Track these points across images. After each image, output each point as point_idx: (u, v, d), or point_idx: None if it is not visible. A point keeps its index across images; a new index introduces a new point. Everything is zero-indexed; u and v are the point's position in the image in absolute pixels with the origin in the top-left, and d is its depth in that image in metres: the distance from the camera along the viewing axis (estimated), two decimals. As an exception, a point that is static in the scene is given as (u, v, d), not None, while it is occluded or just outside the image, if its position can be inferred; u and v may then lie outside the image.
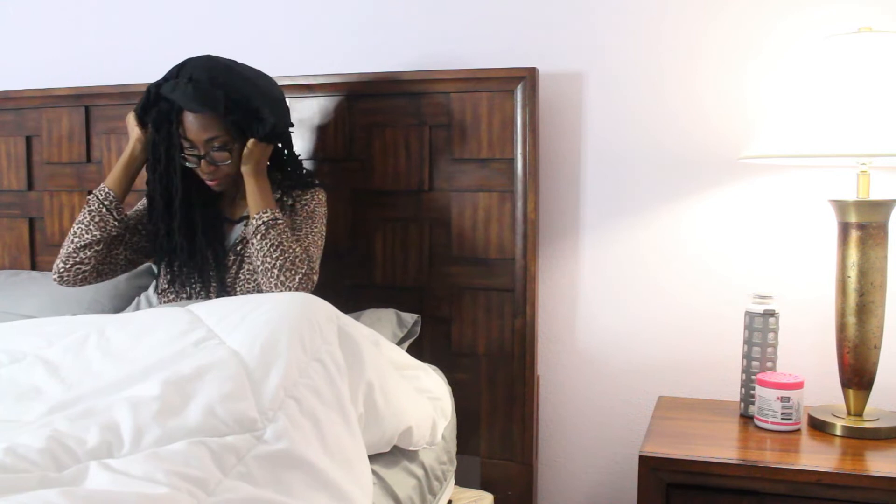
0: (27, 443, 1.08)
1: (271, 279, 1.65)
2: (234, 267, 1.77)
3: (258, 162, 1.71)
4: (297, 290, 1.65)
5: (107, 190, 1.74)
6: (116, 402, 1.20)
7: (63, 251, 1.74)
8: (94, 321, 1.51)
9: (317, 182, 1.85)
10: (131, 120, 1.78)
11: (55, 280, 1.75)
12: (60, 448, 1.08)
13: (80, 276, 1.74)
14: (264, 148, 1.72)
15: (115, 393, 1.25)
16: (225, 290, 1.76)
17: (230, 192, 1.81)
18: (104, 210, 1.73)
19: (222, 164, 1.71)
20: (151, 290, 2.02)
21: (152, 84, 1.73)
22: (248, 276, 1.76)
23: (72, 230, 1.74)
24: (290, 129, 1.82)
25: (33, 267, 2.33)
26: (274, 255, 1.65)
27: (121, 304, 2.03)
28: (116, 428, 1.14)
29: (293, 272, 1.66)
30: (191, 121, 1.68)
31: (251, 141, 1.70)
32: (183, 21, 2.27)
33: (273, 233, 1.66)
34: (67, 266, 1.73)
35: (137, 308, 1.98)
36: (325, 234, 1.81)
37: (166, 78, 1.71)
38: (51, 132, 2.28)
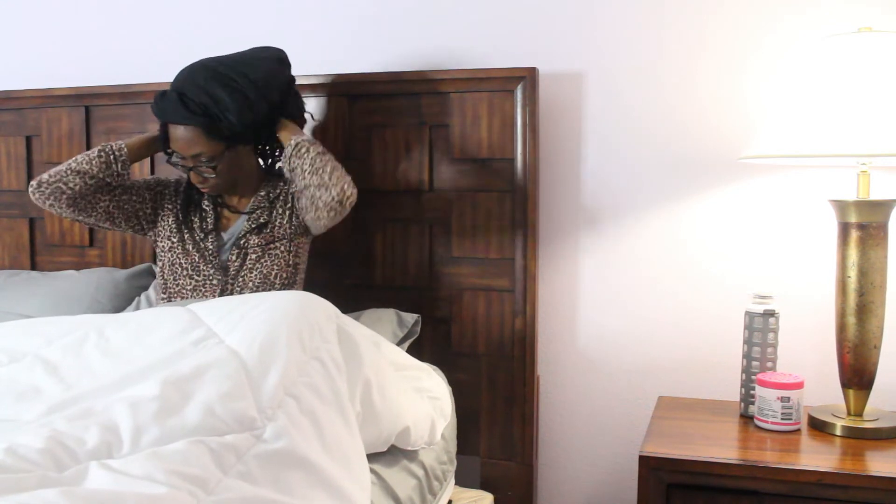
0: (27, 443, 1.08)
1: (324, 175, 1.69)
2: (238, 261, 1.77)
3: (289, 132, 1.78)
4: (349, 184, 1.71)
5: (122, 146, 1.77)
6: (116, 401, 1.20)
7: (54, 169, 1.74)
8: (94, 321, 1.51)
9: None
10: None
11: (31, 189, 1.74)
12: (60, 448, 1.08)
13: (55, 195, 1.72)
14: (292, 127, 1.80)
15: (115, 393, 1.25)
16: (228, 284, 1.77)
17: (230, 190, 1.83)
18: (112, 158, 1.75)
19: (209, 177, 1.75)
20: (151, 290, 2.02)
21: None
22: (251, 266, 1.77)
23: (73, 158, 1.75)
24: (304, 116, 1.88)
25: (33, 267, 2.32)
26: (323, 158, 1.71)
27: (121, 304, 2.03)
28: (116, 428, 1.14)
29: (342, 170, 1.72)
30: (177, 135, 1.72)
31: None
32: (183, 21, 2.27)
33: (316, 146, 1.73)
34: (52, 181, 1.72)
35: (137, 308, 1.98)
36: None
37: (162, 92, 1.76)
38: (51, 132, 2.28)
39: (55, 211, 1.75)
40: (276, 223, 1.80)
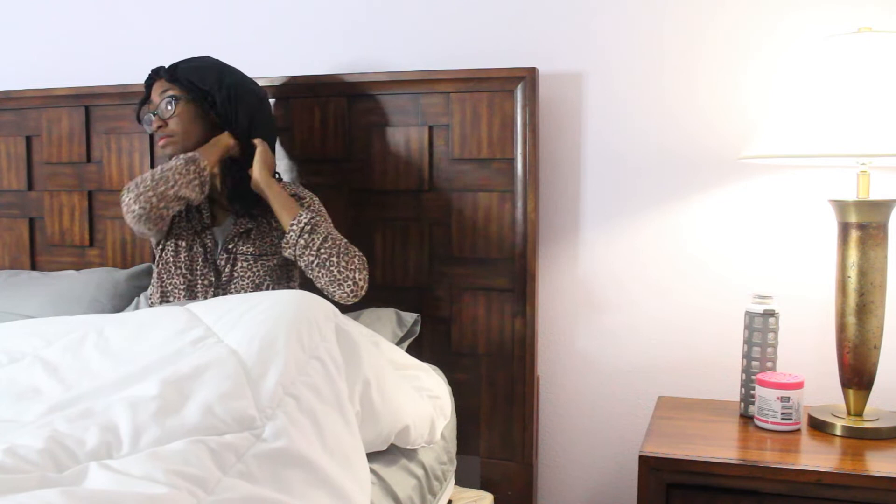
0: (27, 443, 1.08)
1: (332, 269, 1.67)
2: (228, 266, 1.78)
3: (264, 164, 1.77)
4: (359, 271, 1.68)
5: (205, 166, 1.70)
6: (115, 402, 1.20)
7: (159, 189, 1.64)
8: (93, 321, 1.51)
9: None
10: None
11: (137, 211, 1.65)
12: (60, 449, 1.08)
13: (153, 219, 1.67)
14: (265, 150, 1.79)
15: (114, 393, 1.25)
16: (220, 289, 1.77)
17: (211, 194, 1.83)
18: (202, 181, 1.70)
19: (168, 116, 1.76)
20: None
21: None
22: (241, 274, 1.77)
23: (168, 178, 1.66)
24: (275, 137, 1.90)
25: (33, 267, 2.32)
26: (326, 247, 1.68)
27: (120, 303, 2.03)
28: (115, 429, 1.13)
29: (350, 255, 1.69)
30: (154, 88, 1.80)
31: (257, 142, 1.79)
32: (183, 21, 2.27)
33: (319, 229, 1.70)
34: (156, 205, 1.65)
35: (137, 308, 1.98)
36: None
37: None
38: (51, 132, 2.28)
39: (138, 229, 1.71)
40: (268, 239, 1.81)
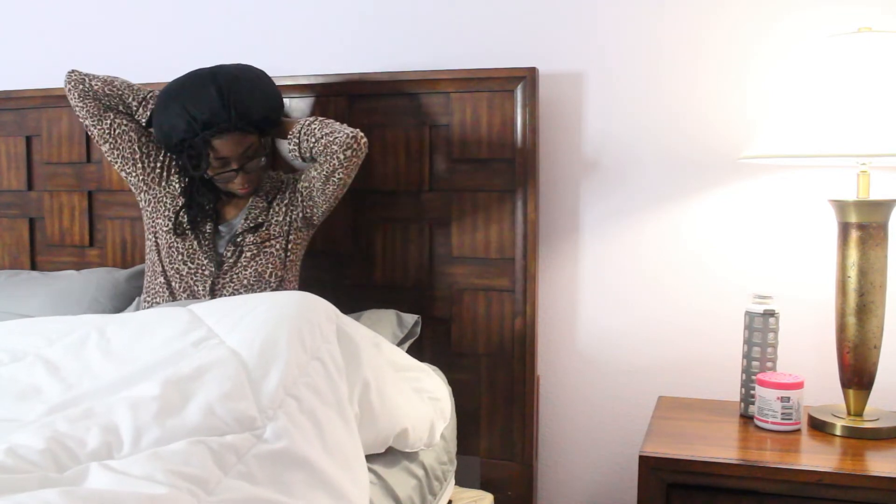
0: (28, 443, 1.08)
1: (334, 125, 1.76)
2: (233, 258, 1.78)
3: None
4: (356, 130, 1.74)
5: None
6: (116, 402, 1.20)
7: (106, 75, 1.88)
8: (95, 321, 1.52)
9: None
10: None
11: (68, 76, 1.85)
12: (61, 449, 1.08)
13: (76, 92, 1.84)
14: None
15: (115, 393, 1.26)
16: (220, 278, 1.77)
17: (219, 194, 1.84)
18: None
19: (258, 168, 1.78)
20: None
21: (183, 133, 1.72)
22: (245, 263, 1.78)
23: (123, 80, 1.87)
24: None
25: (33, 267, 2.32)
26: (329, 121, 1.78)
27: (120, 304, 2.03)
28: (116, 429, 1.14)
29: (342, 126, 1.76)
30: (224, 141, 1.71)
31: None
32: (183, 21, 2.27)
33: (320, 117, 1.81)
34: (86, 78, 1.84)
35: (137, 308, 1.98)
36: None
37: (196, 119, 1.71)
38: (51, 132, 2.28)
39: (83, 101, 1.84)
40: (272, 220, 1.81)
